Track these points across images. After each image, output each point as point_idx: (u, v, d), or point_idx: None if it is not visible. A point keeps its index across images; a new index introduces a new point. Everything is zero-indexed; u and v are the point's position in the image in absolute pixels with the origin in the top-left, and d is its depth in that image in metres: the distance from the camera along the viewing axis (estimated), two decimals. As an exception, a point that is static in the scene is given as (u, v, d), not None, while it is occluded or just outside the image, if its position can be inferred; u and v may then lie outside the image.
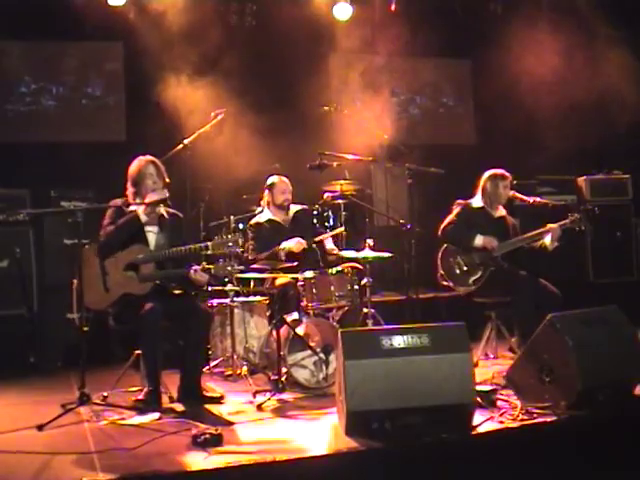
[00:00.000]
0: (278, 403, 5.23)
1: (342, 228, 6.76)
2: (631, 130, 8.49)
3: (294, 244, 6.30)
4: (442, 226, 6.27)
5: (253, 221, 6.62)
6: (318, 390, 5.53)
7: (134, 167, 5.41)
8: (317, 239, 6.48)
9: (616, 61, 8.28)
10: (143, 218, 5.37)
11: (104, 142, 8.24)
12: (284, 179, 6.60)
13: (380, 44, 8.63)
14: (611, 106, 8.11)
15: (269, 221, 6.57)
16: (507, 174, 6.34)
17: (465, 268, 6.15)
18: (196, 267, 5.18)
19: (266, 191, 6.62)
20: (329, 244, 6.66)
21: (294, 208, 6.68)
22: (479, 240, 6.13)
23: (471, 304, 6.19)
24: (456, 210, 6.35)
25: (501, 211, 6.43)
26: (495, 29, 8.78)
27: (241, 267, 5.63)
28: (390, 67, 9.21)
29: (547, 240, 6.09)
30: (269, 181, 6.61)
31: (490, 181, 6.34)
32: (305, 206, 6.87)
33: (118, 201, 5.34)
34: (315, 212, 7.16)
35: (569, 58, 8.25)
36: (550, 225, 6.08)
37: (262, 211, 6.68)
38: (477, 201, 6.38)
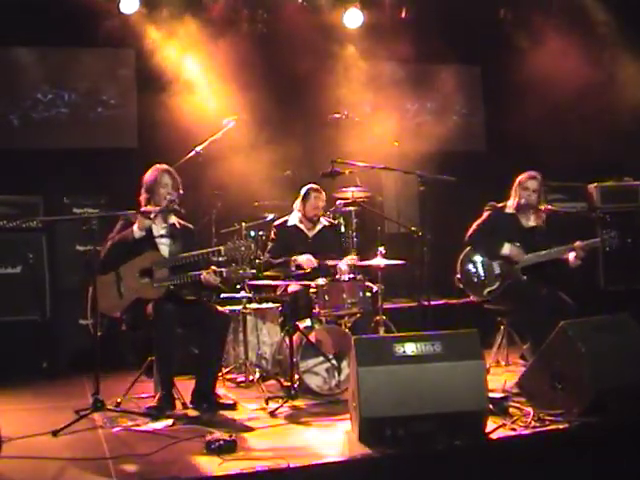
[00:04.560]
0: (291, 410, 5.25)
1: (354, 257, 6.67)
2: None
3: (304, 260, 6.35)
4: (470, 231, 6.13)
5: (279, 221, 6.68)
6: (330, 397, 5.56)
7: (150, 174, 5.46)
8: (329, 263, 6.42)
9: (629, 66, 8.27)
10: (155, 230, 5.41)
11: (116, 149, 8.27)
12: (320, 193, 6.60)
13: (391, 51, 8.63)
14: (624, 112, 8.09)
15: (294, 227, 6.62)
16: (534, 173, 6.05)
17: (483, 277, 6.03)
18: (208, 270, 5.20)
19: (300, 199, 6.64)
20: (343, 266, 6.37)
21: (323, 222, 6.72)
22: (507, 249, 5.95)
23: (483, 311, 6.17)
24: (485, 214, 6.19)
25: (535, 220, 6.13)
26: (506, 35, 8.79)
27: (253, 271, 5.64)
28: (401, 74, 9.22)
29: (570, 257, 5.86)
30: (304, 190, 6.62)
31: (519, 183, 6.08)
32: (334, 222, 6.93)
33: (130, 213, 5.36)
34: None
35: (580, 64, 8.24)
36: (577, 243, 5.85)
37: (291, 213, 6.71)
38: (510, 206, 6.15)
